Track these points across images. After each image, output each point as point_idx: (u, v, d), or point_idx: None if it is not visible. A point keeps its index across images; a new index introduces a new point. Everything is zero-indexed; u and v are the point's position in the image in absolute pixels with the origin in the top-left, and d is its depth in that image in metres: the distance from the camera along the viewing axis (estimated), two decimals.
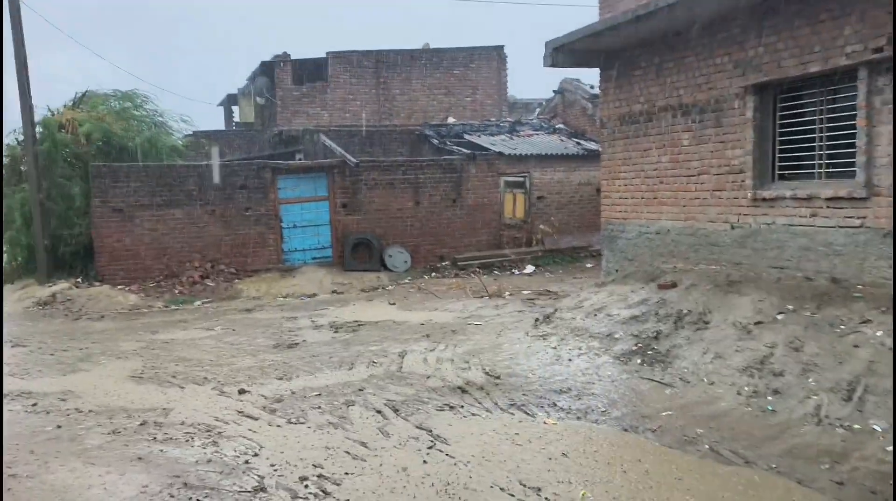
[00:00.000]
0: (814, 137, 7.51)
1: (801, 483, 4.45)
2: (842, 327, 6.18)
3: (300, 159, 18.18)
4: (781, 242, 7.73)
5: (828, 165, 7.37)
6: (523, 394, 6.43)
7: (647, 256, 9.81)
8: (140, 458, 5.21)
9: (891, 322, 5.90)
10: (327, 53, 23.46)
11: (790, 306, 6.83)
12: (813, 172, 7.57)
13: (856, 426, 5.04)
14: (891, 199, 6.54)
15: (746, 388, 5.97)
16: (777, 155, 8.00)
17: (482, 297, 12.57)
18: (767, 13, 7.67)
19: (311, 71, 23.42)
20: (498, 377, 6.99)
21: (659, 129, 9.53)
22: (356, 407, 6.26)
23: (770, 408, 5.60)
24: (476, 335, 9.12)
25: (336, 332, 10.01)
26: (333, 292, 14.24)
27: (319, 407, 6.31)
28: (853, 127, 6.91)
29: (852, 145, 6.94)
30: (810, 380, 5.71)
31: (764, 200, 7.94)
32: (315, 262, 15.70)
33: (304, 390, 6.89)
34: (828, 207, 7.18)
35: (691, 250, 9.03)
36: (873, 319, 6.06)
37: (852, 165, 6.97)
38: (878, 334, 5.84)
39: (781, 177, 7.98)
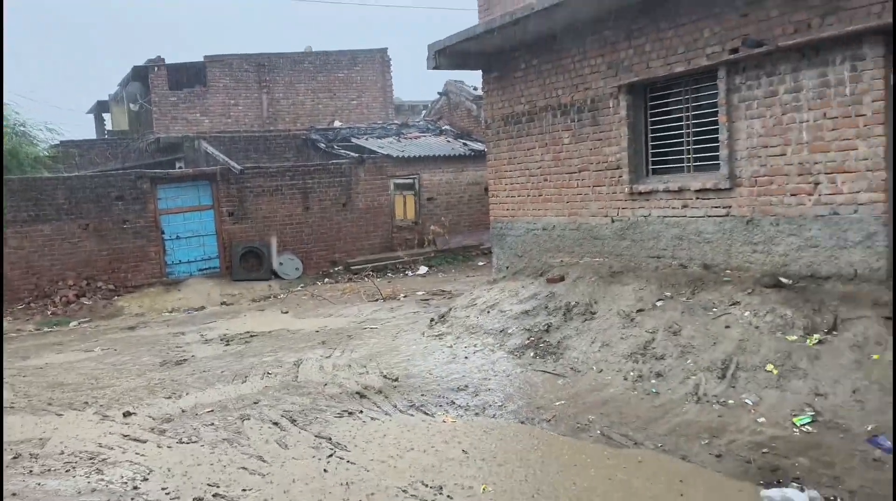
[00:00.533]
0: (682, 133, 8.01)
1: (684, 459, 4.73)
2: (714, 309, 6.64)
3: (181, 168, 17.36)
4: (657, 232, 8.19)
5: (695, 159, 7.89)
6: (422, 395, 6.45)
7: (536, 251, 10.11)
8: (14, 494, 4.79)
9: (756, 303, 6.40)
10: (205, 57, 22.56)
11: (668, 293, 7.25)
12: (683, 166, 8.07)
13: (730, 402, 5.42)
14: (752, 189, 7.09)
15: (632, 373, 6.29)
16: (650, 151, 8.47)
17: (377, 300, 12.51)
18: (635, 17, 8.11)
19: (188, 76, 22.43)
20: (396, 380, 6.97)
21: (541, 128, 9.85)
22: (252, 421, 6.05)
23: (654, 390, 5.92)
24: (372, 339, 9.06)
25: (227, 345, 9.64)
26: (223, 303, 13.70)
27: (212, 424, 6.05)
28: (716, 123, 7.43)
29: (716, 140, 7.46)
30: (689, 361, 6.09)
31: (640, 193, 8.38)
32: (202, 274, 15.05)
33: (195, 407, 6.58)
34: (697, 198, 7.68)
35: (576, 244, 9.39)
36: (741, 300, 6.54)
37: (717, 158, 7.49)
38: (746, 314, 6.32)
39: (655, 171, 8.45)
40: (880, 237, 6.03)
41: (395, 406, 6.22)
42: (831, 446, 4.50)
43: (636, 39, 8.17)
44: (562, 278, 8.71)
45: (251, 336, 10.07)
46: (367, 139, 19.25)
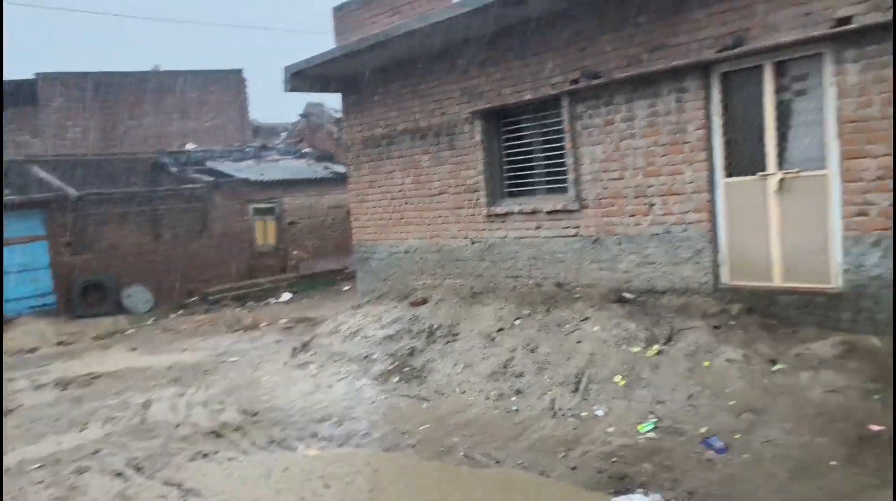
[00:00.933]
0: (533, 157, 8.39)
1: (542, 473, 4.86)
2: (567, 326, 6.94)
3: (7, 195, 15.75)
4: (514, 253, 8.49)
5: (547, 182, 8.28)
6: (283, 429, 6.21)
7: (399, 274, 10.14)
8: None
9: (604, 317, 6.77)
10: (36, 74, 20.73)
11: (526, 312, 7.51)
12: (535, 189, 8.45)
13: (583, 414, 5.67)
14: (596, 210, 7.53)
15: (493, 392, 6.42)
16: (505, 174, 8.79)
17: (237, 331, 11.98)
18: (486, 47, 8.42)
19: (16, 94, 20.43)
20: (256, 414, 6.68)
21: (401, 152, 9.94)
22: (90, 474, 5.52)
23: (514, 408, 6.07)
24: (231, 373, 8.64)
25: (64, 389, 8.78)
26: (60, 343, 12.50)
27: (42, 482, 5.45)
28: (563, 148, 7.84)
29: (564, 164, 7.87)
30: (545, 377, 6.31)
31: (497, 215, 8.66)
32: (34, 312, 13.65)
33: (20, 464, 5.90)
34: (549, 219, 8.05)
35: (438, 266, 9.53)
36: (591, 316, 6.89)
37: (565, 181, 7.91)
38: (595, 329, 6.66)
39: (511, 194, 8.77)
40: (706, 253, 6.62)
41: (255, 443, 5.94)
42: (671, 450, 4.82)
43: (488, 68, 8.48)
44: (425, 301, 8.77)
45: (93, 378, 9.24)
46: (223, 163, 18.52)
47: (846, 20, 5.48)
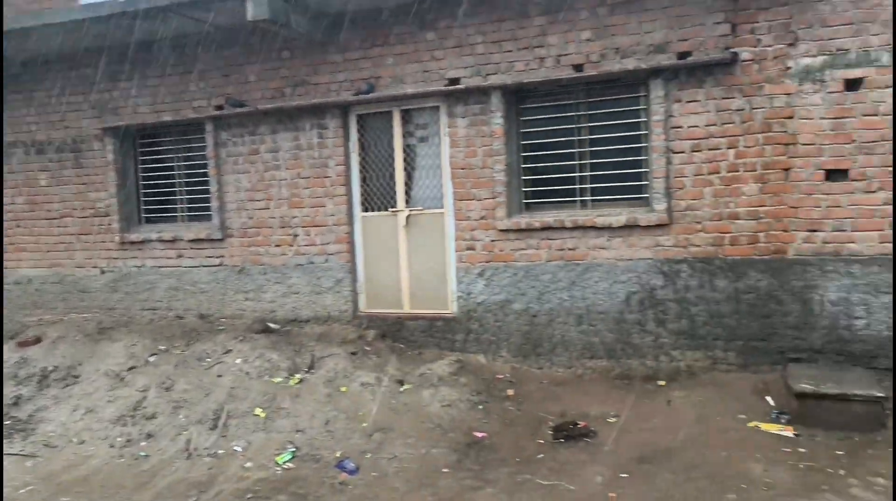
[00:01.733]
0: (175, 183, 7.91)
1: None
2: (208, 360, 6.64)
3: None
4: (152, 283, 7.86)
5: (189, 209, 7.87)
6: None
7: (7, 310, 8.59)
8: None
9: (247, 349, 6.65)
10: None
11: (162, 347, 6.98)
12: (176, 216, 7.96)
13: (221, 452, 5.44)
14: (242, 239, 7.39)
15: (120, 438, 5.79)
16: (143, 199, 8.12)
17: None
18: (121, 59, 7.71)
19: None
20: None
21: (11, 167, 8.50)
22: None
23: (143, 454, 5.56)
24: None
25: None
26: None
27: None
28: (208, 174, 7.55)
29: (208, 191, 7.58)
30: (181, 417, 5.92)
31: (132, 243, 7.94)
32: None
33: None
34: (191, 248, 7.66)
35: (59, 298, 8.34)
36: (234, 348, 6.70)
37: (209, 209, 7.61)
38: (238, 361, 6.49)
39: (149, 220, 8.13)
40: (346, 283, 6.98)
41: None
42: (307, 478, 4.89)
43: (122, 83, 7.78)
44: (38, 340, 7.58)
45: None
46: None
47: (456, 80, 6.38)
